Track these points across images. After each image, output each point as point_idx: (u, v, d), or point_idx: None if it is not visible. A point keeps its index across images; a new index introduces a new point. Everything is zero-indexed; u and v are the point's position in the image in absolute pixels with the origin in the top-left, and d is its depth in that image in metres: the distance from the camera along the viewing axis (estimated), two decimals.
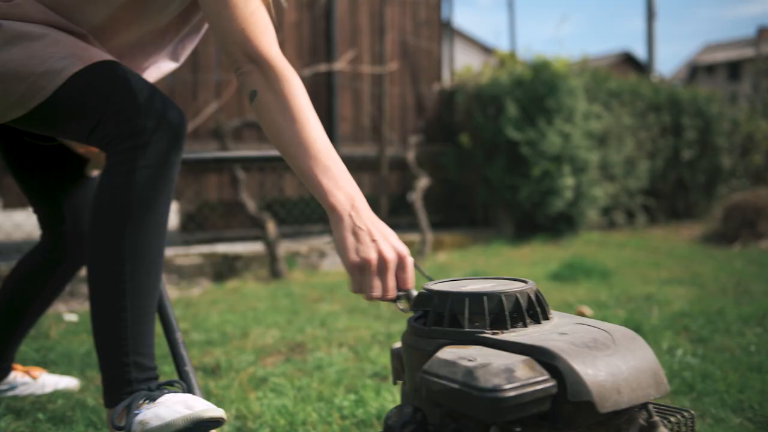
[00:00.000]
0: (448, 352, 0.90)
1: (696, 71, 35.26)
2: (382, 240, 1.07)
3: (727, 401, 1.73)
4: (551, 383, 0.84)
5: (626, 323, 2.53)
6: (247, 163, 4.42)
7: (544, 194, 5.32)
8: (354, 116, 5.24)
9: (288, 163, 1.17)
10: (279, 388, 1.92)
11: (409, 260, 1.09)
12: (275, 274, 4.03)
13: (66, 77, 1.22)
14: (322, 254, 4.53)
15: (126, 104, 1.23)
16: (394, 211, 5.56)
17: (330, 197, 1.10)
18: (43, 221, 1.73)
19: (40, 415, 1.73)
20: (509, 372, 0.83)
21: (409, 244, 4.77)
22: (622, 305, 2.96)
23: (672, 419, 0.97)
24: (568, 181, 5.30)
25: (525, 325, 0.96)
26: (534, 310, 0.99)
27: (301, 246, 4.51)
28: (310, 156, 1.13)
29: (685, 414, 0.98)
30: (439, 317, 0.98)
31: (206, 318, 2.92)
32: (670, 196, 7.14)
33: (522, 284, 1.01)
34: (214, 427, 1.15)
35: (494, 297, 0.96)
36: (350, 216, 1.09)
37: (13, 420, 1.71)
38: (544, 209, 5.36)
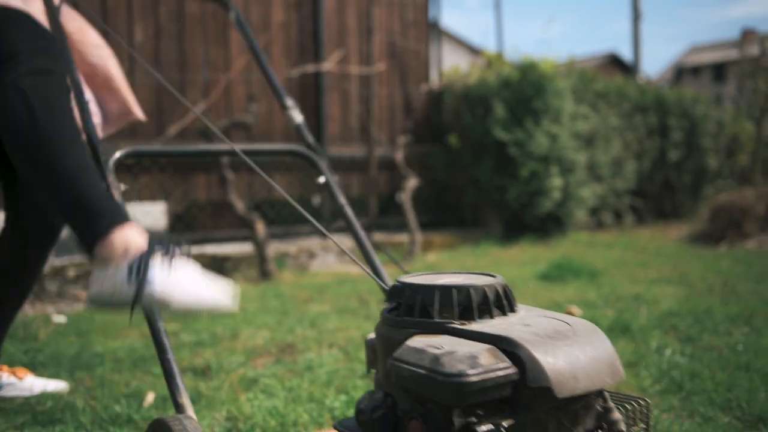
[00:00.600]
0: (417, 341, 0.95)
1: (681, 73, 35.55)
2: None
3: (715, 400, 1.75)
4: (512, 370, 0.89)
5: (615, 323, 2.54)
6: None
7: (532, 195, 5.34)
8: (342, 117, 5.24)
9: None
10: (270, 389, 1.91)
11: None
12: (264, 274, 4.02)
13: None
14: (312, 255, 4.52)
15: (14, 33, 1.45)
16: (384, 212, 5.56)
17: None
18: (9, 205, 1.77)
19: (30, 418, 1.71)
20: (473, 359, 0.88)
21: (398, 244, 4.76)
22: (611, 305, 2.98)
23: (628, 407, 1.02)
24: (556, 181, 5.33)
25: (492, 317, 1.01)
26: (501, 303, 1.03)
27: (291, 246, 4.50)
28: None
29: (641, 402, 1.03)
30: (411, 308, 1.02)
31: (195, 319, 2.91)
32: (657, 197, 7.19)
33: (491, 278, 1.06)
34: (225, 314, 1.14)
35: (463, 290, 1.00)
36: None
37: (2, 422, 1.69)
38: (532, 210, 5.39)
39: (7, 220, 1.79)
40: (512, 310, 1.05)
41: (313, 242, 4.70)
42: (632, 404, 1.03)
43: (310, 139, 1.84)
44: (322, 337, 2.54)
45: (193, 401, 1.82)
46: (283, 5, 4.89)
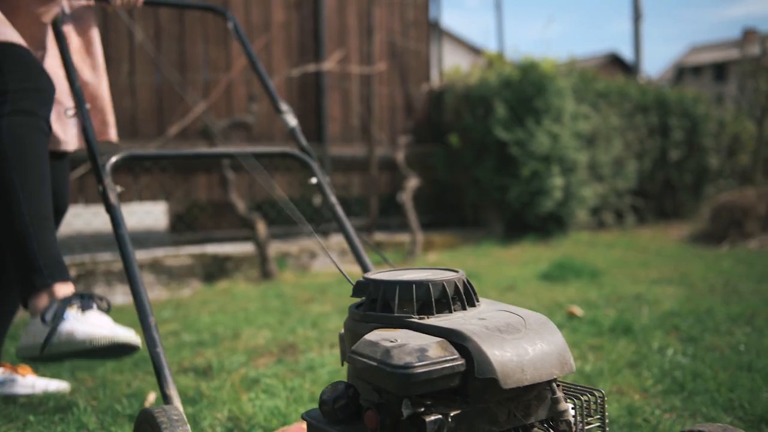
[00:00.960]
0: (375, 334, 0.98)
1: (682, 72, 35.52)
2: None
3: (717, 400, 1.75)
4: (460, 362, 0.93)
5: (616, 323, 2.54)
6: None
7: (533, 194, 5.34)
8: (343, 116, 5.23)
9: None
10: (271, 389, 1.91)
11: None
12: (266, 274, 4.02)
13: None
14: (313, 255, 4.52)
15: (6, 71, 1.54)
16: (384, 212, 5.56)
17: None
18: None
19: (32, 417, 1.71)
20: (421, 351, 0.91)
21: (399, 244, 4.75)
22: (612, 305, 2.97)
23: (583, 398, 1.05)
24: (557, 181, 5.32)
25: (450, 311, 1.04)
26: (461, 298, 1.07)
27: (292, 247, 4.50)
28: None
29: (596, 393, 1.06)
30: (373, 303, 1.06)
31: (197, 319, 2.91)
32: (658, 197, 7.18)
33: (452, 274, 1.09)
34: (128, 353, 1.31)
35: (422, 285, 1.03)
36: None
37: (4, 423, 1.69)
38: (533, 209, 5.38)
39: None
40: (472, 304, 1.08)
41: (313, 242, 4.70)
42: (587, 396, 1.06)
43: (303, 142, 1.96)
44: (323, 337, 2.54)
45: (195, 401, 1.82)
46: (283, 5, 4.88)
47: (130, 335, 1.29)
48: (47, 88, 1.62)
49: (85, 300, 1.38)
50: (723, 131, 7.82)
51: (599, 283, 3.59)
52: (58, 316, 1.31)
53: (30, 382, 1.92)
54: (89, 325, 1.30)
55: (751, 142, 7.78)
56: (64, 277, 1.46)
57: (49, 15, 1.70)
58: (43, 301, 1.40)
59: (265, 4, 4.79)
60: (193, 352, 2.36)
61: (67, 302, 1.35)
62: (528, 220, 5.50)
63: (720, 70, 34.05)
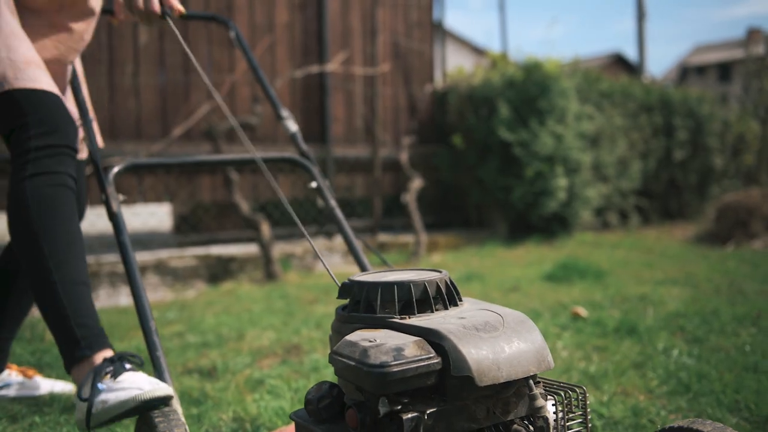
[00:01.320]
0: (355, 335, 1.00)
1: (687, 72, 35.44)
2: None
3: (723, 401, 1.74)
4: (436, 360, 0.94)
5: (621, 324, 2.54)
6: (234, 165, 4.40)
7: (537, 195, 5.33)
8: (347, 117, 5.24)
9: None
10: (276, 390, 1.91)
11: None
12: (270, 275, 4.02)
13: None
14: (317, 256, 4.52)
15: (32, 124, 1.52)
16: (388, 213, 5.56)
17: None
18: None
19: (37, 418, 1.72)
20: (398, 351, 0.93)
21: (403, 245, 4.74)
22: (617, 306, 2.97)
23: (563, 394, 1.07)
24: (561, 181, 5.32)
25: (432, 311, 1.06)
26: (442, 297, 1.08)
27: (296, 248, 4.50)
28: None
29: (577, 389, 1.08)
30: (357, 304, 1.07)
31: (201, 320, 2.91)
32: (662, 197, 7.17)
33: (435, 274, 1.10)
34: (162, 404, 1.32)
35: (404, 286, 1.05)
36: None
37: (9, 424, 1.70)
38: (537, 210, 5.38)
39: None
40: (455, 303, 1.10)
41: (318, 243, 4.70)
42: (567, 392, 1.07)
43: (304, 147, 2.03)
44: (327, 338, 2.53)
45: (200, 402, 1.83)
46: (287, 6, 4.89)
47: (161, 389, 1.34)
48: (72, 138, 1.59)
49: (117, 364, 1.40)
50: (728, 131, 7.80)
51: (604, 283, 3.59)
52: (94, 392, 1.35)
53: (36, 384, 1.93)
54: (120, 390, 1.34)
55: (755, 142, 7.76)
56: (102, 346, 1.49)
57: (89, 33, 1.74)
58: (83, 370, 1.44)
59: (269, 5, 4.80)
60: (198, 353, 2.36)
61: (99, 373, 1.38)
62: (532, 220, 5.49)
63: (724, 70, 33.97)
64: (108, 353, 1.47)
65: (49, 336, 2.65)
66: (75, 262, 1.51)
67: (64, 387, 1.96)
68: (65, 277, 1.47)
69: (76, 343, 1.46)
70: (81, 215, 1.91)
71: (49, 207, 1.51)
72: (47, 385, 1.94)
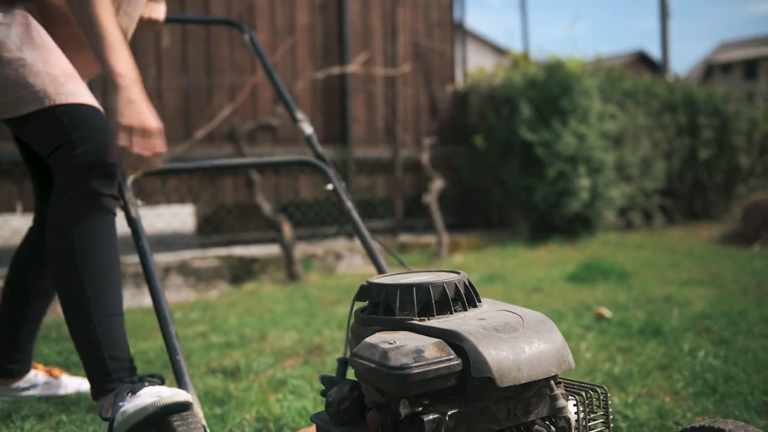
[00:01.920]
0: (375, 337, 1.00)
1: (711, 70, 34.96)
2: (148, 111, 1.42)
3: (751, 403, 1.71)
4: (456, 362, 0.95)
5: (646, 325, 2.51)
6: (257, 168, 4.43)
7: (559, 195, 5.30)
8: (367, 118, 5.24)
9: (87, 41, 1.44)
10: (298, 390, 1.92)
11: (160, 128, 1.45)
12: (292, 276, 4.04)
13: (39, 107, 1.48)
14: (338, 256, 4.53)
15: (78, 141, 1.48)
16: (409, 213, 5.56)
17: (118, 66, 1.40)
18: (41, 211, 1.84)
19: (64, 417, 1.74)
20: (418, 353, 0.94)
21: (425, 246, 4.73)
22: (642, 307, 2.94)
23: (584, 394, 1.06)
24: (584, 182, 5.27)
25: (451, 312, 1.06)
26: (461, 299, 1.08)
27: (317, 248, 4.52)
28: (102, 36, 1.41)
29: (598, 389, 1.07)
30: (376, 306, 1.08)
31: (224, 320, 2.93)
32: (687, 197, 7.07)
33: (454, 276, 1.10)
34: (180, 410, 1.31)
35: (423, 288, 1.05)
36: (130, 86, 1.40)
37: (37, 422, 1.72)
38: (559, 210, 5.34)
39: (41, 214, 1.84)
40: (474, 305, 1.10)
41: (339, 244, 4.71)
42: (588, 392, 1.07)
43: (319, 149, 2.05)
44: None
45: (224, 402, 1.84)
46: (308, 8, 4.91)
47: (179, 394, 1.34)
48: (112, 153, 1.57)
49: (137, 384, 1.42)
50: (754, 129, 7.67)
51: (628, 284, 3.55)
52: (115, 410, 1.37)
53: (62, 383, 1.96)
54: (138, 399, 1.35)
55: None
56: (130, 372, 1.49)
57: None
58: (110, 401, 1.44)
59: (290, 7, 4.82)
60: (221, 353, 2.38)
61: (120, 393, 1.40)
62: (554, 221, 5.45)
63: (750, 67, 33.46)
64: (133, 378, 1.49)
65: None
66: (112, 292, 1.50)
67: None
68: (101, 308, 1.46)
69: (107, 375, 1.46)
70: None
71: (90, 234, 1.48)
72: (74, 384, 1.97)
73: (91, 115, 1.50)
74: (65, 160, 1.47)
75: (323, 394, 1.12)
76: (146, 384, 1.42)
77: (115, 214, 1.55)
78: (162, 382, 1.48)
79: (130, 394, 1.39)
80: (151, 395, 1.34)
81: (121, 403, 1.37)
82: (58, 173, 1.49)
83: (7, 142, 3.42)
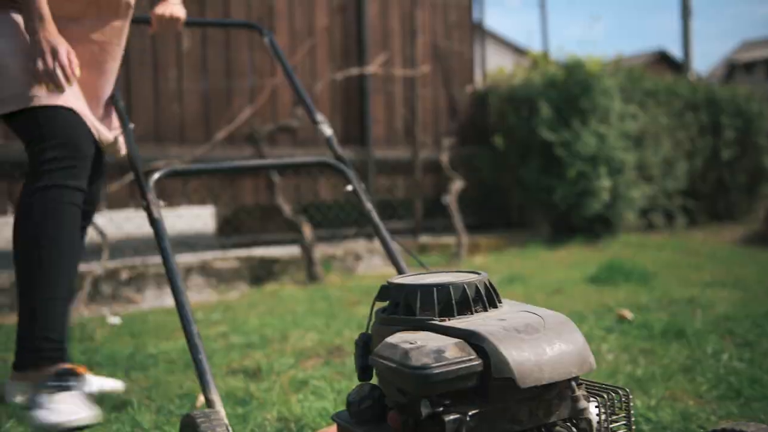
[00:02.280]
0: (396, 337, 1.00)
1: (734, 69, 34.48)
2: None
3: None
4: (477, 362, 0.94)
5: (668, 327, 2.48)
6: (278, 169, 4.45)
7: (579, 195, 5.26)
8: (387, 119, 5.25)
9: None
10: (319, 390, 1.93)
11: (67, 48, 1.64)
12: (312, 277, 4.05)
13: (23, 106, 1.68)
14: (358, 257, 4.54)
15: (47, 136, 1.67)
16: (429, 214, 5.55)
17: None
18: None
19: None
20: (439, 353, 0.93)
21: (444, 246, 4.72)
22: (664, 308, 2.91)
23: (605, 396, 1.05)
24: (605, 182, 5.23)
25: (471, 313, 1.06)
26: (482, 299, 1.08)
27: (337, 249, 4.53)
28: None
29: (620, 391, 1.06)
30: (396, 307, 1.08)
31: (245, 321, 2.95)
32: (709, 197, 6.99)
33: (474, 276, 1.10)
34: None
35: (443, 288, 1.05)
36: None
37: None
38: (580, 211, 5.30)
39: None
40: (494, 305, 1.10)
41: (359, 245, 4.72)
42: (610, 394, 1.06)
43: (339, 150, 2.07)
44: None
45: (245, 402, 1.85)
46: (327, 10, 4.93)
47: (88, 416, 1.55)
48: (85, 155, 1.72)
49: (59, 379, 1.60)
50: None
51: (650, 286, 3.52)
52: (31, 403, 1.56)
53: (87, 381, 1.97)
54: (55, 412, 1.52)
55: None
56: (56, 361, 1.67)
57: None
58: (29, 377, 1.63)
59: (309, 9, 4.84)
60: (242, 354, 2.39)
61: (39, 388, 1.57)
62: (575, 221, 5.42)
63: None
64: (59, 367, 1.65)
65: (99, 335, 2.72)
66: (63, 279, 1.67)
67: (113, 385, 2.01)
68: (50, 291, 1.64)
69: (36, 352, 1.64)
70: (90, 216, 2.03)
71: (52, 222, 1.65)
72: (97, 383, 1.99)
73: (63, 115, 1.68)
74: (35, 152, 1.67)
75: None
76: (69, 382, 1.59)
77: (78, 206, 1.69)
78: (82, 379, 1.65)
79: (49, 392, 1.55)
80: (65, 411, 1.52)
81: (38, 399, 1.53)
82: (30, 164, 1.69)
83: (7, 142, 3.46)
